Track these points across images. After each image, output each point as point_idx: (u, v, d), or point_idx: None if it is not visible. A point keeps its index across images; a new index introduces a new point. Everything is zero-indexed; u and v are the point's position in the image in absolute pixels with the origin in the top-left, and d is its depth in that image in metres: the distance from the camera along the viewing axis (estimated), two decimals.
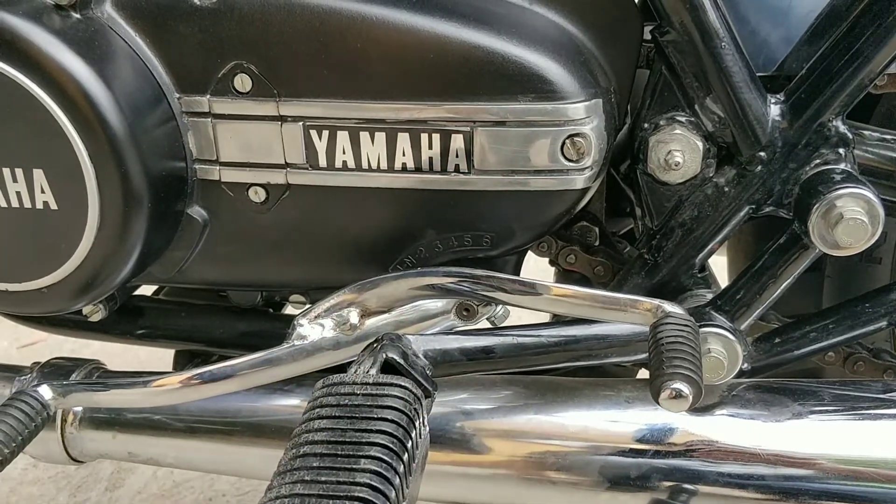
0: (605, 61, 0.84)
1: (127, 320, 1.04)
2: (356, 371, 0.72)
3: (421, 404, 0.69)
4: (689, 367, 0.64)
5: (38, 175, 0.76)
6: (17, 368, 0.96)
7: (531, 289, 0.77)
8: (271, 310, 1.09)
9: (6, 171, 0.77)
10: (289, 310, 1.08)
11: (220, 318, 1.05)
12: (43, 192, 0.77)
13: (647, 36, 0.86)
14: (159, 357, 1.26)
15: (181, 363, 1.09)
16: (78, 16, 0.76)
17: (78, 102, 0.73)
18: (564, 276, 1.11)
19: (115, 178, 0.76)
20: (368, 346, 0.77)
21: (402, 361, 0.73)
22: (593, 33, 0.83)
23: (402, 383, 0.68)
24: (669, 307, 0.72)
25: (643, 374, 0.99)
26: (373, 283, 0.82)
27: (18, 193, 0.77)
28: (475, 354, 0.81)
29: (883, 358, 1.04)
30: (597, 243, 1.06)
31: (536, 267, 1.07)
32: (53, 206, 0.77)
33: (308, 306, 0.83)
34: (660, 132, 0.82)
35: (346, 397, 0.66)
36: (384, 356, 0.73)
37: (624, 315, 0.74)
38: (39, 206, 0.77)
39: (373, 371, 0.72)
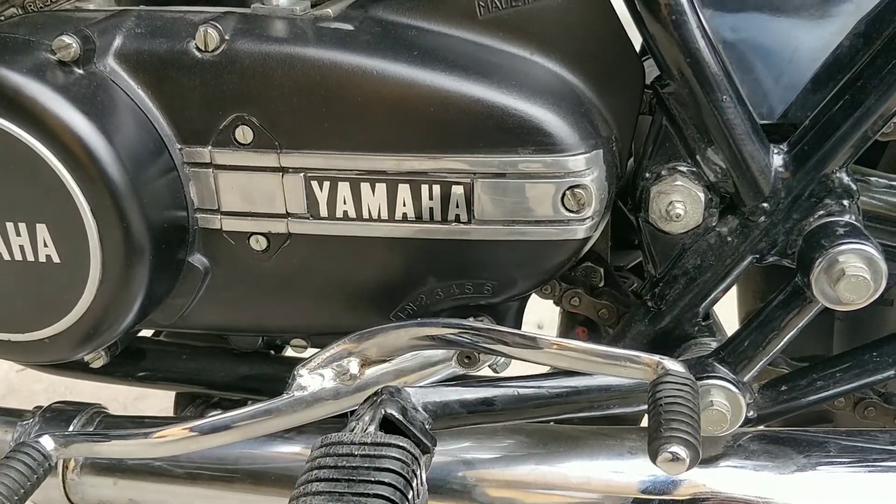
0: (606, 110, 0.84)
1: (128, 363, 1.04)
2: (355, 429, 0.72)
3: (419, 464, 0.69)
4: (686, 429, 0.63)
5: (41, 229, 0.77)
6: (18, 413, 0.97)
7: (532, 342, 0.76)
8: (272, 352, 1.09)
9: (9, 226, 0.77)
10: (289, 352, 1.07)
11: (221, 361, 1.05)
12: (46, 245, 0.77)
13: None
14: None
15: (182, 405, 1.09)
16: (81, 71, 0.77)
17: (80, 159, 0.74)
18: (569, 316, 1.10)
19: (117, 231, 0.76)
20: (368, 399, 0.77)
21: (400, 417, 0.73)
22: (594, 82, 0.83)
23: (401, 443, 0.68)
24: (669, 364, 0.72)
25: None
26: (373, 332, 0.81)
27: (21, 247, 0.78)
28: (475, 407, 0.80)
29: (894, 403, 1.03)
30: (601, 284, 1.05)
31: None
32: (56, 259, 0.78)
33: (308, 356, 0.83)
34: (661, 182, 0.81)
35: (344, 458, 0.66)
36: (383, 412, 0.73)
37: (624, 371, 0.74)
38: (42, 259, 0.78)
39: (371, 428, 0.71)
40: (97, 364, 0.93)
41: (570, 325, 1.08)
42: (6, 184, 0.76)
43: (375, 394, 0.77)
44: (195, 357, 1.05)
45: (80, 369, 1.00)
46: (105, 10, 0.86)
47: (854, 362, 0.89)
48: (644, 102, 0.86)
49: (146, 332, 1.06)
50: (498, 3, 0.82)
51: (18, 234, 0.77)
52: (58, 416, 0.95)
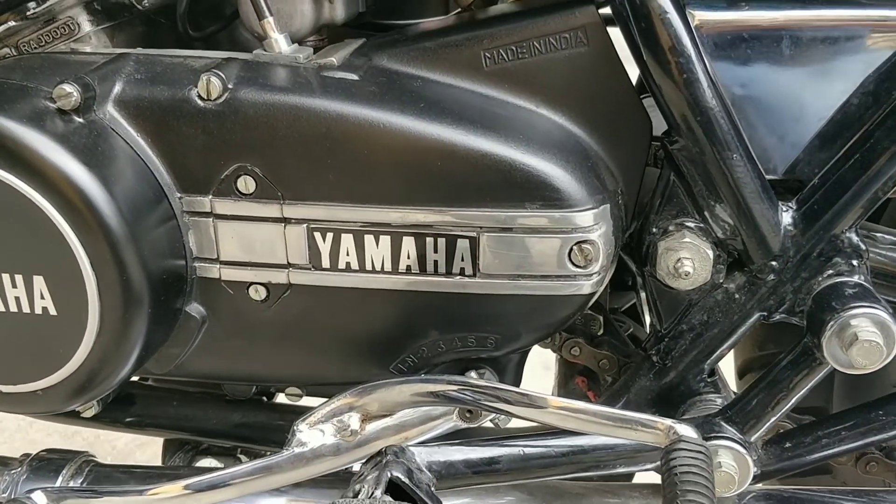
0: (613, 163, 0.83)
1: (117, 408, 1.02)
2: (360, 492, 0.70)
3: None
4: (703, 501, 0.62)
5: (38, 281, 0.75)
6: (5, 461, 0.94)
7: (536, 403, 0.75)
8: (265, 398, 1.07)
9: (5, 277, 0.75)
10: (283, 399, 1.05)
11: (213, 407, 1.02)
12: (42, 297, 0.75)
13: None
14: None
15: (171, 451, 1.07)
16: (81, 120, 0.75)
17: (80, 212, 0.72)
18: (567, 363, 1.09)
19: (117, 284, 0.75)
20: (372, 460, 0.75)
21: (407, 481, 0.71)
22: (601, 135, 0.82)
23: None
24: (682, 429, 0.70)
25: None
26: (375, 387, 0.80)
27: (17, 298, 0.76)
28: (480, 467, 0.79)
29: None
30: (601, 332, 1.05)
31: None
32: (52, 311, 0.75)
33: (308, 412, 0.81)
34: (669, 238, 0.80)
35: None
36: (389, 475, 0.71)
37: (635, 434, 0.72)
38: (38, 311, 0.76)
39: (378, 492, 0.70)
40: (88, 414, 0.91)
41: (569, 373, 1.07)
42: (3, 235, 0.74)
43: (379, 454, 0.75)
44: (186, 403, 1.03)
45: (69, 416, 0.98)
46: (102, 54, 0.85)
47: (860, 420, 0.87)
48: (650, 155, 0.86)
49: (135, 377, 1.04)
50: (504, 55, 0.81)
51: (14, 286, 0.75)
52: (46, 465, 0.92)
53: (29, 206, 0.72)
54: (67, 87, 0.74)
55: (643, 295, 1.17)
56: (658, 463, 0.81)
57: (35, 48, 0.87)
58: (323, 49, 0.87)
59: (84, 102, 0.75)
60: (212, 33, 0.96)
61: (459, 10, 1.04)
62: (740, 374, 1.22)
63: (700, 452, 0.67)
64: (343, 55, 0.83)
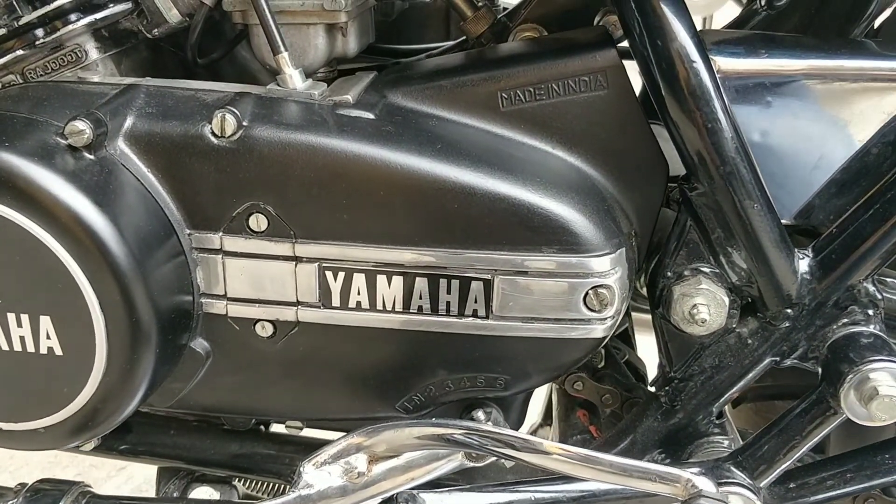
0: (628, 205, 0.83)
1: (113, 436, 1.00)
2: None
3: None
4: None
5: (45, 321, 0.73)
6: (0, 491, 0.92)
7: (545, 450, 0.74)
8: (263, 428, 1.05)
9: (11, 316, 0.73)
10: (281, 429, 1.04)
11: (211, 437, 1.01)
12: (48, 338, 0.73)
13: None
14: None
15: (165, 478, 1.05)
16: (92, 157, 0.74)
17: (90, 252, 0.70)
18: (567, 396, 1.09)
19: (125, 323, 0.73)
20: None
21: None
22: (617, 178, 0.82)
23: None
24: (700, 482, 0.70)
25: None
26: (383, 429, 0.79)
27: (22, 338, 0.74)
28: None
29: (893, 494, 1.03)
30: (602, 364, 1.04)
31: None
32: (58, 351, 0.74)
33: (314, 454, 0.79)
34: (684, 284, 0.80)
35: None
36: None
37: (652, 486, 0.72)
38: (43, 351, 0.74)
39: None
40: (88, 448, 0.89)
41: (569, 405, 1.06)
42: (9, 274, 0.72)
43: (391, 501, 0.74)
44: (183, 432, 1.01)
45: None
46: (110, 84, 0.83)
47: (865, 462, 0.87)
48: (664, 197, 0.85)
49: None
50: (521, 96, 0.81)
51: (20, 326, 0.73)
52: (42, 496, 0.89)
53: (37, 245, 0.71)
54: (80, 125, 0.72)
55: (634, 315, 1.18)
56: None
57: (41, 75, 0.85)
58: (335, 82, 0.86)
59: (95, 139, 0.73)
60: (216, 60, 0.94)
61: (463, 38, 1.04)
62: (735, 404, 1.23)
63: None
64: (357, 91, 0.82)
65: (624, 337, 1.19)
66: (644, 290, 0.96)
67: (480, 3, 0.95)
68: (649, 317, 1.07)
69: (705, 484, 0.69)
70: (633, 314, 1.18)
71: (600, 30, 0.85)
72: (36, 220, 0.70)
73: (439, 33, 1.23)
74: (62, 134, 0.72)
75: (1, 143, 0.71)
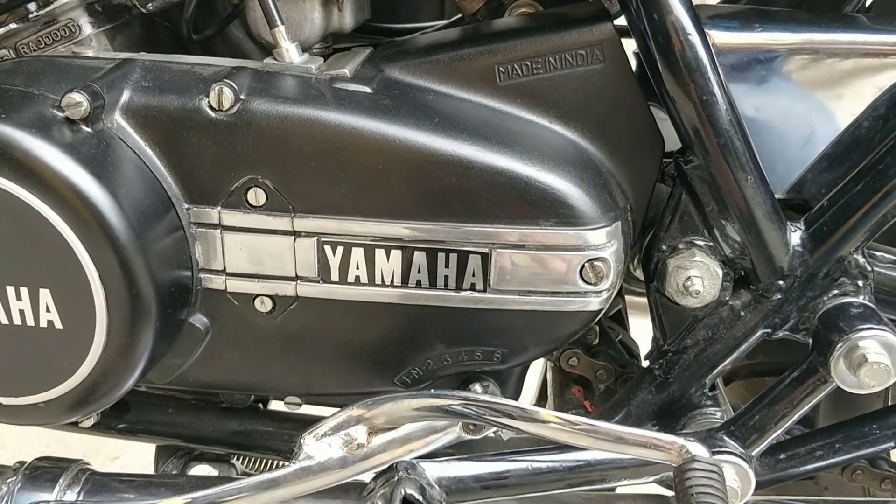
0: (624, 179, 0.83)
1: (112, 415, 1.00)
2: None
3: None
4: None
5: (44, 294, 0.73)
6: None
7: (542, 419, 0.75)
8: (261, 405, 1.06)
9: (10, 289, 0.73)
10: (280, 406, 1.04)
11: (209, 415, 1.01)
12: (48, 311, 0.73)
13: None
14: None
15: (164, 457, 1.05)
16: (89, 129, 0.73)
17: (89, 224, 0.70)
18: (562, 373, 1.10)
19: (124, 296, 0.73)
20: (383, 476, 0.75)
21: (420, 498, 0.71)
22: (613, 152, 0.83)
23: None
24: (694, 448, 0.71)
25: None
26: (382, 401, 0.79)
27: (22, 312, 0.74)
28: (489, 482, 0.79)
29: (880, 467, 1.05)
30: (596, 342, 1.05)
31: None
32: (58, 325, 0.74)
33: (315, 426, 0.80)
34: (678, 256, 0.81)
35: None
36: (402, 492, 0.71)
37: (646, 452, 0.73)
38: (43, 324, 0.74)
39: None
40: (87, 424, 0.89)
41: (564, 382, 1.07)
42: (8, 247, 0.72)
43: (390, 469, 0.75)
44: (181, 410, 1.02)
45: (65, 424, 0.96)
46: (105, 59, 0.83)
47: (853, 433, 0.89)
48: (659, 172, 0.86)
49: None
50: (518, 70, 0.81)
51: (19, 299, 0.73)
52: (41, 474, 0.90)
53: (36, 217, 0.71)
54: (77, 97, 0.72)
55: (628, 298, 1.19)
56: (661, 476, 0.83)
57: (34, 50, 0.85)
58: (331, 58, 0.86)
59: (93, 111, 0.73)
60: (211, 37, 0.94)
61: (459, 15, 1.04)
62: (726, 380, 1.24)
63: (714, 472, 0.68)
64: (354, 66, 0.82)
65: (618, 319, 1.20)
66: (638, 273, 0.98)
67: None
68: (642, 300, 1.09)
69: (699, 450, 0.70)
70: (627, 297, 1.19)
71: (596, 5, 0.86)
72: (34, 192, 0.70)
73: (434, 12, 1.22)
74: (59, 106, 0.72)
75: None
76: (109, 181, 0.72)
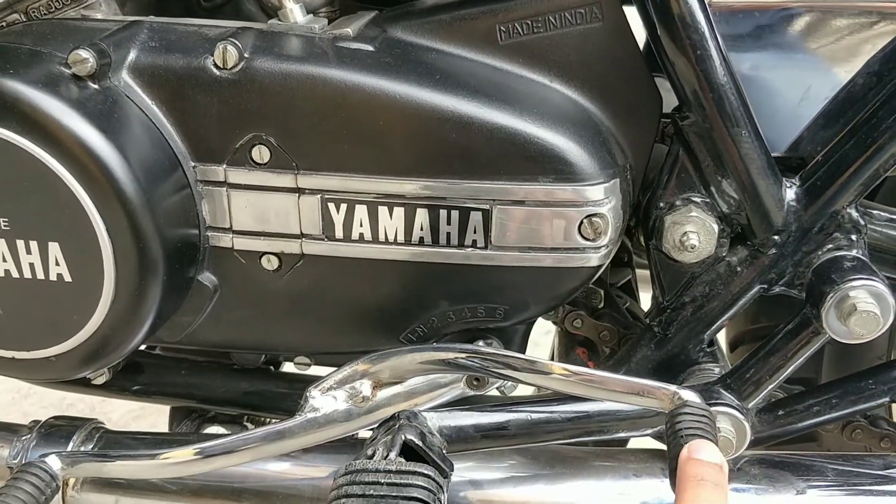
0: (623, 139, 0.84)
1: (125, 377, 1.02)
2: (374, 455, 0.72)
3: (443, 490, 0.69)
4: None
5: (53, 248, 0.75)
6: (13, 428, 0.94)
7: (544, 369, 0.77)
8: (272, 367, 1.08)
9: (20, 243, 0.75)
10: (290, 368, 1.06)
11: (221, 376, 1.03)
12: (57, 264, 0.75)
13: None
14: None
15: (178, 419, 1.08)
16: (96, 86, 0.75)
17: (97, 177, 0.72)
18: (567, 336, 1.11)
19: (132, 250, 0.75)
20: (385, 424, 0.77)
21: (420, 444, 0.73)
22: (612, 110, 0.84)
23: (426, 472, 0.68)
24: (686, 395, 0.73)
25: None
26: (387, 355, 0.81)
27: (32, 265, 0.76)
28: (489, 431, 0.81)
29: (880, 426, 1.07)
30: (601, 305, 1.07)
31: None
32: (67, 278, 0.76)
33: (321, 378, 0.82)
34: (675, 213, 0.82)
35: (371, 487, 0.66)
36: (403, 438, 0.73)
37: (640, 400, 0.75)
38: (53, 277, 0.76)
39: (392, 455, 0.71)
40: (99, 381, 0.92)
41: (570, 344, 1.09)
42: (18, 201, 0.74)
43: (392, 418, 0.77)
44: (194, 372, 1.04)
45: (76, 383, 0.98)
46: (114, 21, 0.84)
47: (849, 388, 0.91)
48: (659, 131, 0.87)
49: (143, 346, 1.04)
50: (519, 29, 0.82)
51: (29, 252, 0.75)
52: (56, 431, 0.92)
53: (44, 171, 0.72)
54: (83, 53, 0.74)
55: (638, 272, 1.20)
56: (658, 428, 0.84)
57: (45, 14, 0.86)
58: (336, 20, 0.87)
59: (99, 69, 0.75)
60: (221, 5, 0.95)
61: None
62: (732, 346, 1.26)
63: (704, 416, 0.70)
64: (358, 26, 0.83)
65: (628, 290, 1.21)
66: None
67: None
68: None
69: (691, 396, 0.72)
70: (638, 271, 1.20)
71: None
72: (42, 146, 0.71)
73: None
74: (66, 63, 0.74)
75: (6, 71, 0.72)
76: (116, 137, 0.74)
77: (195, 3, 0.92)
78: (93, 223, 0.73)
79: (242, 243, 0.84)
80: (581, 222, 0.79)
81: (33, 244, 0.75)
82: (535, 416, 0.82)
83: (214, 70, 0.77)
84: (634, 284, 1.20)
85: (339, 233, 0.82)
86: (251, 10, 1.02)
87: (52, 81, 0.73)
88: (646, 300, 1.18)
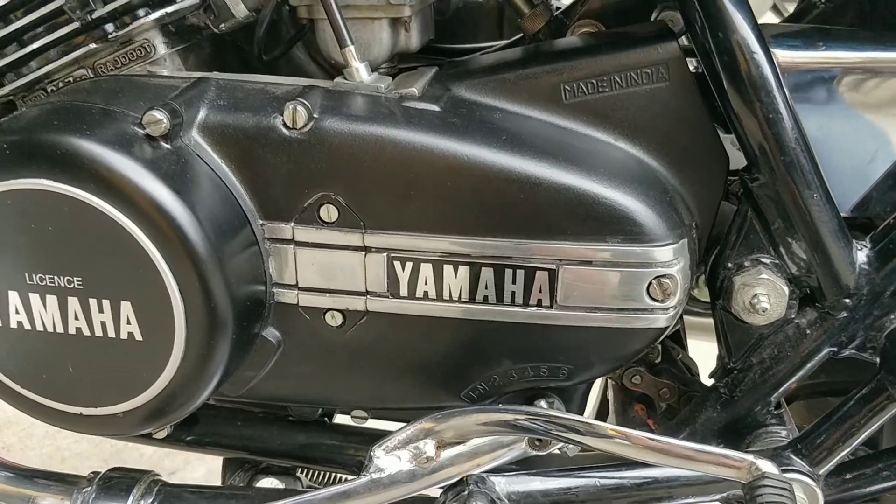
0: (689, 197, 0.84)
1: (179, 427, 1.01)
2: None
3: None
4: None
5: (126, 307, 0.75)
6: (73, 479, 0.94)
7: (612, 436, 0.76)
8: (327, 419, 1.07)
9: (92, 302, 0.76)
10: (346, 420, 1.06)
11: (277, 428, 1.03)
12: (129, 322, 0.76)
13: None
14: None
15: (230, 469, 1.07)
16: (168, 146, 0.76)
17: (170, 238, 0.73)
18: (623, 390, 1.10)
19: (203, 308, 0.75)
20: (454, 489, 0.76)
21: None
22: (679, 170, 0.83)
23: None
24: (763, 465, 0.71)
25: None
26: (451, 415, 0.81)
27: (103, 323, 0.76)
28: (557, 497, 0.80)
29: None
30: (658, 360, 1.06)
31: None
32: (138, 336, 0.76)
33: (385, 439, 0.81)
34: (745, 274, 0.81)
35: None
36: None
37: (715, 469, 0.73)
38: (124, 336, 0.76)
39: None
40: (161, 435, 0.92)
41: (626, 400, 1.08)
42: (92, 260, 0.75)
43: (461, 483, 0.76)
44: (249, 423, 1.03)
45: (139, 436, 0.98)
46: (180, 77, 0.86)
47: None
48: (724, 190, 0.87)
49: None
50: (584, 88, 0.82)
51: (101, 311, 0.76)
52: (115, 484, 0.92)
53: (119, 231, 0.73)
54: (157, 114, 0.75)
55: (686, 319, 1.19)
56: (727, 494, 0.83)
57: (111, 70, 0.88)
58: (399, 77, 0.88)
59: (172, 129, 0.76)
60: (278, 56, 0.97)
61: (520, 35, 1.06)
62: (788, 400, 1.23)
63: (784, 489, 0.68)
64: (422, 85, 0.84)
65: (676, 338, 1.20)
66: (695, 292, 0.98)
67: (537, 1, 0.97)
68: (699, 320, 1.09)
69: (769, 467, 0.70)
70: (685, 317, 1.19)
71: (660, 23, 0.87)
72: (117, 207, 0.72)
73: (493, 32, 1.24)
74: (139, 123, 0.75)
75: (82, 131, 0.74)
76: (188, 196, 0.74)
77: (253, 56, 0.93)
78: (165, 283, 0.74)
79: (308, 300, 0.84)
80: (650, 283, 0.78)
81: (105, 303, 0.76)
82: (602, 481, 0.80)
83: (284, 130, 0.78)
84: (683, 333, 1.19)
85: (403, 290, 0.82)
86: (307, 62, 1.04)
87: (126, 142, 0.75)
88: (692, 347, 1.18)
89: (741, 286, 0.81)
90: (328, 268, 0.82)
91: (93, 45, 0.86)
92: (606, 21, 0.96)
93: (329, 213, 0.80)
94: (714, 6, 0.77)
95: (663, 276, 0.78)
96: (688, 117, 0.82)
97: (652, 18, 0.95)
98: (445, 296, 0.82)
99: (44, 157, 0.73)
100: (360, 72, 0.83)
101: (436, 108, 0.81)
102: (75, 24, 0.83)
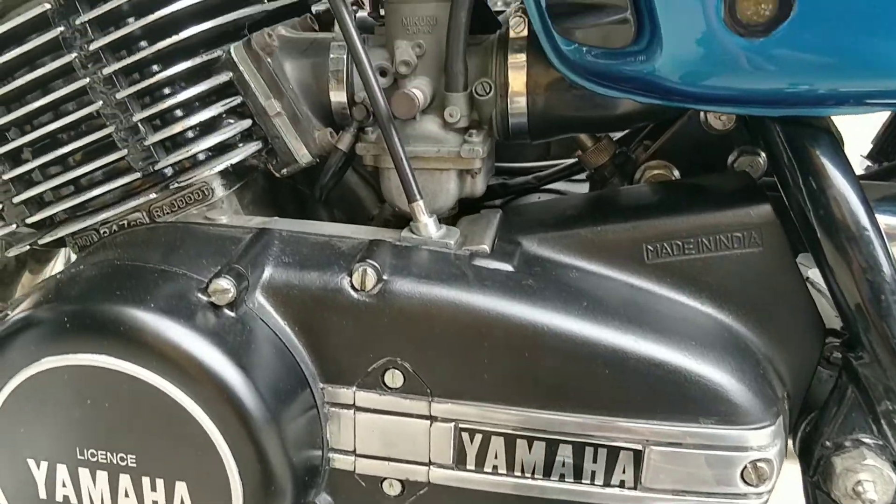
0: (781, 366, 0.78)
1: None
2: None
3: None
4: None
5: (180, 487, 0.70)
6: None
7: None
8: None
9: (146, 480, 0.70)
10: None
11: None
12: (182, 502, 0.70)
13: None
14: None
15: None
16: (233, 314, 0.71)
17: (232, 419, 0.68)
18: None
19: (261, 489, 0.70)
20: None
21: None
22: (771, 338, 0.77)
23: None
24: None
25: None
26: None
27: (155, 503, 0.70)
28: None
29: None
30: None
31: None
32: None
33: None
34: (846, 456, 0.75)
35: None
36: None
37: None
38: None
39: None
40: None
41: None
42: (147, 437, 0.69)
43: None
44: None
45: None
46: (239, 227, 0.81)
47: None
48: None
49: None
50: (668, 249, 0.77)
51: (154, 490, 0.70)
52: None
53: (178, 410, 0.68)
54: (224, 283, 0.70)
55: None
56: None
57: (167, 213, 0.83)
58: (462, 223, 0.83)
59: (238, 296, 0.71)
60: (327, 194, 0.92)
61: (574, 161, 1.00)
62: None
63: None
64: (491, 239, 0.79)
65: None
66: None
67: (601, 135, 0.92)
68: None
69: None
70: None
71: (746, 178, 0.82)
72: (180, 387, 0.67)
73: (538, 151, 1.19)
74: (204, 290, 0.70)
75: (145, 303, 0.69)
76: (251, 368, 0.70)
77: (318, 198, 0.89)
78: (225, 465, 0.69)
79: (365, 466, 0.78)
80: (744, 467, 0.72)
81: (159, 482, 0.70)
82: None
83: (352, 292, 0.73)
84: None
85: (470, 463, 0.76)
86: (360, 195, 1.00)
87: (190, 314, 0.69)
88: None
89: (843, 470, 0.74)
90: (390, 435, 0.76)
91: (154, 195, 0.81)
92: (679, 162, 0.92)
93: (394, 378, 0.74)
94: (810, 161, 0.72)
95: (759, 460, 0.72)
96: (781, 283, 0.76)
97: (729, 163, 0.90)
98: (517, 471, 0.76)
99: (106, 333, 0.68)
100: (429, 227, 0.78)
101: (508, 267, 0.77)
102: (137, 174, 0.80)
